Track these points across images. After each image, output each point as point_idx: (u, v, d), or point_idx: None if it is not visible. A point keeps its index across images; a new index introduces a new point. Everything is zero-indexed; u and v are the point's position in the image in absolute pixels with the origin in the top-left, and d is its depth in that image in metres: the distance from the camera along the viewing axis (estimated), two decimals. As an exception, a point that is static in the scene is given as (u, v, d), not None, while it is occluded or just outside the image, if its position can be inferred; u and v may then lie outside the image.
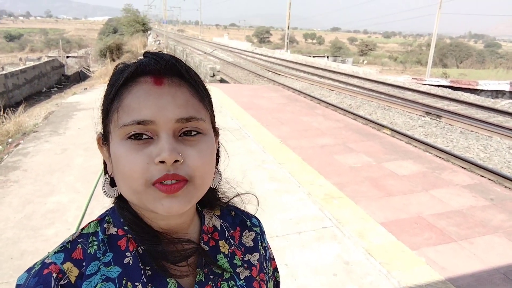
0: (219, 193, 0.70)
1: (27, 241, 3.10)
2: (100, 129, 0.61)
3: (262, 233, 0.74)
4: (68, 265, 0.54)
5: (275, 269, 0.77)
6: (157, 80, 0.54)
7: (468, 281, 2.83)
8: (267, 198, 4.00)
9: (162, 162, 0.51)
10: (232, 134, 6.21)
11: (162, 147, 0.52)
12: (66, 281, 0.53)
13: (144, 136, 0.53)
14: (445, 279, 2.81)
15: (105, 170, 0.63)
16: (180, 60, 0.58)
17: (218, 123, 0.66)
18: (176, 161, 0.52)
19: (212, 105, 0.62)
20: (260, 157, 5.24)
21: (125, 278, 0.56)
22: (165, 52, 0.58)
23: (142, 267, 0.57)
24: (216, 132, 0.63)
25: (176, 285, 0.58)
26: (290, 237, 3.30)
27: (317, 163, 5.10)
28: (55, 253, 0.55)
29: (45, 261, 0.54)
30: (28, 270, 0.54)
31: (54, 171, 4.53)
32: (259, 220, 0.76)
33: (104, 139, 0.59)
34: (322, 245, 3.19)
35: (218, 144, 0.65)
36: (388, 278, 2.80)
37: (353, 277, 2.80)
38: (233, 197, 0.73)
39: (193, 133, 0.55)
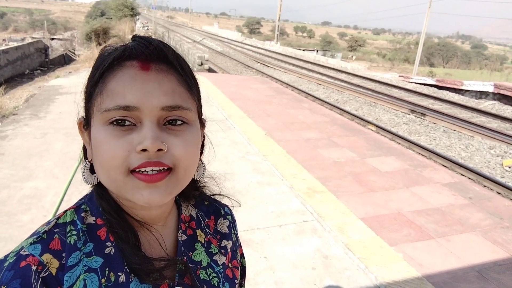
0: (200, 183, 0.70)
1: (1, 227, 3.01)
2: (82, 113, 0.59)
3: (234, 221, 0.77)
4: (47, 257, 0.51)
5: (242, 255, 0.80)
6: (144, 65, 0.52)
7: (443, 278, 2.88)
8: (249, 190, 3.99)
9: (144, 150, 0.49)
10: (218, 124, 6.16)
11: (145, 135, 0.50)
12: (47, 273, 0.50)
13: (127, 123, 0.51)
14: (421, 276, 2.85)
15: (85, 156, 0.61)
16: (169, 46, 0.56)
17: (204, 113, 0.64)
18: (159, 150, 0.50)
19: (200, 95, 0.60)
20: (244, 149, 5.21)
21: (107, 269, 0.54)
22: (154, 38, 0.56)
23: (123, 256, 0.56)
24: (202, 123, 0.62)
25: (158, 275, 0.57)
26: (270, 230, 3.30)
27: (301, 157, 5.10)
28: (30, 244, 0.51)
29: (20, 252, 0.50)
30: None
31: (32, 156, 4.42)
32: (230, 209, 0.77)
33: (86, 124, 0.57)
34: (302, 239, 3.20)
35: (204, 136, 0.64)
36: (366, 273, 2.82)
37: (332, 271, 2.81)
38: (215, 194, 0.74)
39: (178, 122, 0.53)
